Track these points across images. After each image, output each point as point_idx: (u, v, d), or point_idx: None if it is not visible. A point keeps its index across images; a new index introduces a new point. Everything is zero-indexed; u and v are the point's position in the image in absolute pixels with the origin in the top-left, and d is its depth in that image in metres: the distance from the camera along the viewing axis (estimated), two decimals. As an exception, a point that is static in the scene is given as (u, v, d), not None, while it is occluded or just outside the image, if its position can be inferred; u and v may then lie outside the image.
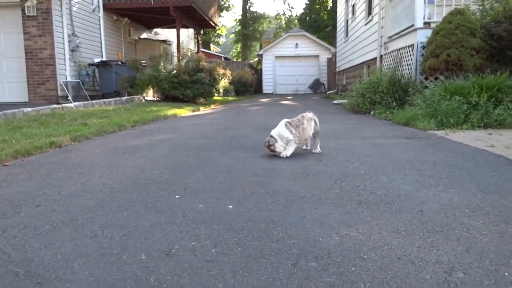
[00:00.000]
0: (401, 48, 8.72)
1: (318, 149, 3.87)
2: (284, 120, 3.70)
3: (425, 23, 7.86)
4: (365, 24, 12.42)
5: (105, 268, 1.53)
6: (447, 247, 1.65)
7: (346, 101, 9.52)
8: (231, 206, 2.24)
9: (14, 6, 9.99)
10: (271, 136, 3.59)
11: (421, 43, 7.62)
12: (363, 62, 12.76)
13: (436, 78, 7.21)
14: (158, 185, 2.72)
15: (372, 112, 7.59)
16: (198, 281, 1.42)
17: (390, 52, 9.69)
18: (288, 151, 3.61)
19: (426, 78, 7.56)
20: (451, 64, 6.53)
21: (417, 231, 1.84)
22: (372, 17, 11.48)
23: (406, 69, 8.28)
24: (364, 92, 7.96)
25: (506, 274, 1.42)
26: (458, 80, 5.98)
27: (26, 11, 9.86)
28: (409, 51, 8.15)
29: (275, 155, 3.61)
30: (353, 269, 1.49)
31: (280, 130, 3.60)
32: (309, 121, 3.76)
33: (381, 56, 10.57)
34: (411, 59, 8.00)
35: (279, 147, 3.58)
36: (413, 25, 7.94)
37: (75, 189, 2.67)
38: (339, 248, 1.67)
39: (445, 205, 2.18)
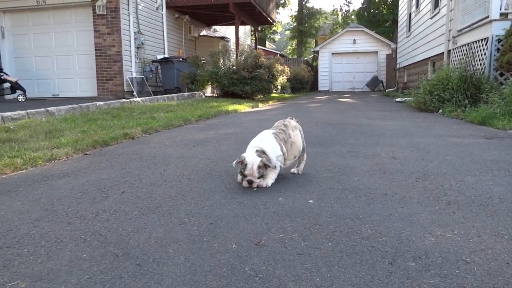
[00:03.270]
0: (473, 42, 8.19)
1: (300, 169, 2.82)
2: (269, 131, 2.63)
3: (501, 14, 7.32)
4: (431, 18, 11.81)
5: (199, 254, 1.55)
6: (562, 254, 1.50)
7: (410, 99, 9.12)
8: (311, 201, 2.19)
9: (86, 5, 10.61)
10: (260, 155, 2.41)
11: (496, 36, 7.11)
12: (428, 58, 12.16)
13: (514, 74, 6.70)
14: (233, 177, 2.74)
15: (440, 110, 7.20)
16: (293, 273, 1.39)
17: (460, 47, 9.14)
18: (270, 179, 2.49)
19: (501, 74, 7.04)
20: (534, 59, 6.03)
21: (521, 235, 1.69)
22: (439, 9, 10.88)
23: (477, 64, 7.77)
24: (431, 89, 7.57)
25: None
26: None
27: (96, 10, 10.43)
28: (482, 45, 7.63)
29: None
30: (457, 271, 1.39)
31: (269, 145, 2.50)
32: (294, 130, 2.73)
33: (448, 51, 10.00)
34: (484, 54, 7.48)
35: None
36: (487, 17, 7.43)
37: (154, 178, 2.76)
38: (437, 249, 1.57)
39: (547, 209, 1.99)
